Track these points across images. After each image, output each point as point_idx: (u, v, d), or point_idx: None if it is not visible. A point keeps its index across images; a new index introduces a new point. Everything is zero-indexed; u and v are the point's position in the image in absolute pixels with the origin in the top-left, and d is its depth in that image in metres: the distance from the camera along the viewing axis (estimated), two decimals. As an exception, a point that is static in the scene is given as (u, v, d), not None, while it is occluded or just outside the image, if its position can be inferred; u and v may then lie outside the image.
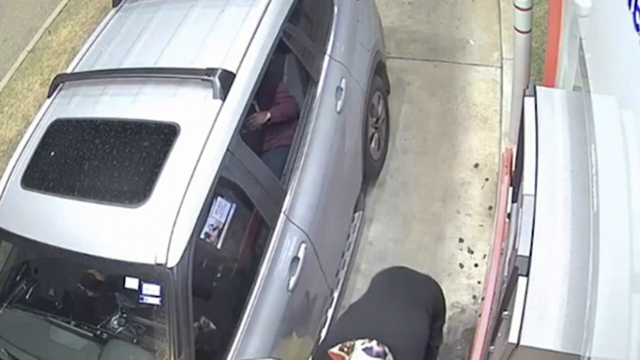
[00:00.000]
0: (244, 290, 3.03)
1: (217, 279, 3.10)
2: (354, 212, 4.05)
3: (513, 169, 3.51)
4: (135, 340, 3.02)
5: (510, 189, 3.50)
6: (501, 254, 3.44)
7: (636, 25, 1.93)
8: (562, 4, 3.20)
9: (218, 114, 3.01)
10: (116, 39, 3.61)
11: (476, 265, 4.04)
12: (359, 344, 2.49)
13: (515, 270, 2.15)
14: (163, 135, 3.01)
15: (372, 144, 4.30)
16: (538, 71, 4.50)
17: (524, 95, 2.72)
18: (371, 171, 4.34)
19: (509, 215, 3.34)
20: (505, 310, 2.35)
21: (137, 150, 3.01)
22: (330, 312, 3.83)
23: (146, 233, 2.82)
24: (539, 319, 2.03)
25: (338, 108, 3.70)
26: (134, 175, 2.95)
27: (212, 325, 2.97)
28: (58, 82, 3.53)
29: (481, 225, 4.20)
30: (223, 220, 3.05)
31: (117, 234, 2.87)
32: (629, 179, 1.93)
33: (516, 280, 2.13)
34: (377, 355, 2.48)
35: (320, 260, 3.46)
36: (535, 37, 4.14)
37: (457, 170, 4.48)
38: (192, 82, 3.12)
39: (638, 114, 2.00)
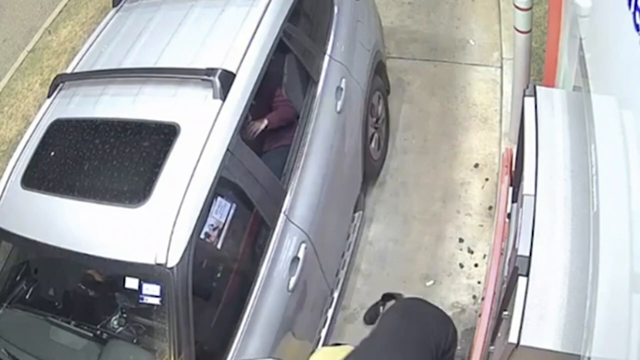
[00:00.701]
0: (244, 290, 3.03)
1: (217, 279, 3.10)
2: (354, 212, 4.05)
3: (513, 169, 3.51)
4: (135, 340, 3.02)
5: (510, 189, 3.50)
6: (501, 254, 3.44)
7: (636, 25, 1.93)
8: (562, 4, 3.20)
9: (218, 114, 3.01)
10: (116, 39, 3.61)
11: (476, 265, 4.04)
12: None
13: (515, 270, 2.15)
14: (163, 135, 3.01)
15: (372, 144, 4.31)
16: (538, 71, 4.50)
17: (524, 95, 2.72)
18: (371, 171, 4.34)
19: (509, 215, 3.34)
20: (505, 310, 2.35)
21: (137, 150, 3.01)
22: (330, 312, 3.83)
23: (146, 233, 2.82)
24: (539, 319, 2.03)
25: (338, 108, 3.70)
26: (134, 175, 2.95)
27: (212, 325, 2.97)
28: (58, 82, 3.53)
29: (481, 225, 4.20)
30: (223, 220, 3.05)
31: (117, 234, 2.87)
32: (629, 179, 1.93)
33: (516, 280, 2.13)
34: None
35: (320, 260, 3.46)
36: (535, 37, 4.14)
37: (457, 170, 4.48)
38: (192, 82, 3.12)
39: (638, 114, 2.00)
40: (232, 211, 3.08)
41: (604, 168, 2.02)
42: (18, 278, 3.39)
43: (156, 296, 2.77)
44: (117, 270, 2.90)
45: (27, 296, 3.35)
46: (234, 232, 3.10)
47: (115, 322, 3.08)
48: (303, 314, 3.37)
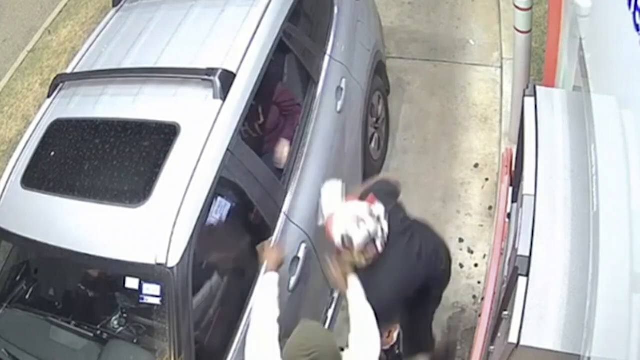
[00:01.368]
0: (244, 290, 3.03)
1: (217, 279, 3.10)
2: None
3: (513, 169, 3.51)
4: (135, 340, 3.02)
5: (510, 189, 3.50)
6: (501, 254, 3.44)
7: (636, 25, 1.94)
8: (562, 4, 3.20)
9: (218, 114, 3.01)
10: (116, 39, 3.61)
11: (476, 265, 4.04)
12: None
13: (515, 270, 2.15)
14: (163, 135, 3.01)
15: (372, 144, 4.30)
16: (538, 71, 4.50)
17: (524, 95, 2.72)
18: (371, 171, 4.33)
19: (509, 215, 3.34)
20: (505, 310, 2.36)
21: (137, 150, 3.01)
22: (330, 312, 3.83)
23: (146, 233, 2.82)
24: (539, 319, 2.03)
25: (338, 108, 3.70)
26: (134, 175, 2.95)
27: (212, 325, 2.97)
28: (58, 82, 3.53)
29: (481, 225, 4.20)
30: (223, 221, 3.05)
31: (117, 234, 2.87)
32: (629, 179, 1.93)
33: (516, 280, 2.13)
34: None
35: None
36: (535, 37, 4.14)
37: (457, 170, 4.48)
38: (193, 82, 3.12)
39: (638, 114, 2.00)
40: (232, 211, 3.08)
41: (604, 168, 2.03)
42: (18, 278, 3.39)
43: (156, 296, 2.77)
44: (117, 270, 2.90)
45: (27, 296, 3.35)
46: (234, 232, 3.10)
47: (116, 322, 3.08)
48: (303, 314, 3.37)
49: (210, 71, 3.06)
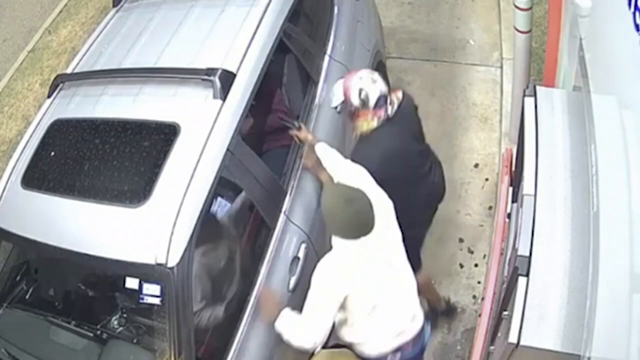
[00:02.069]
0: (244, 290, 3.03)
1: (217, 278, 3.10)
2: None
3: (513, 169, 3.51)
4: (135, 340, 3.02)
5: (510, 189, 3.50)
6: (501, 254, 3.44)
7: (636, 25, 1.94)
8: (562, 4, 3.20)
9: (218, 114, 3.01)
10: (116, 39, 3.61)
11: (476, 265, 4.04)
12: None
13: (515, 270, 2.15)
14: (163, 135, 3.00)
15: (372, 144, 4.30)
16: (538, 71, 4.50)
17: (524, 95, 2.72)
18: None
19: (509, 215, 3.35)
20: (505, 310, 2.36)
21: (137, 150, 3.01)
22: (330, 312, 3.83)
23: (146, 233, 2.82)
24: (539, 319, 2.03)
25: (338, 108, 3.70)
26: (134, 175, 2.95)
27: (212, 326, 2.97)
28: (58, 82, 3.53)
29: (481, 225, 4.20)
30: (223, 220, 3.05)
31: (117, 234, 2.86)
32: (629, 179, 1.93)
33: (516, 280, 2.13)
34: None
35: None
36: (535, 37, 4.15)
37: (457, 170, 4.48)
38: (193, 82, 3.12)
39: (638, 114, 2.00)
40: (232, 211, 3.08)
41: (604, 168, 2.03)
42: (18, 278, 3.40)
43: (156, 296, 2.77)
44: (117, 270, 2.90)
45: (27, 296, 3.35)
46: (234, 232, 3.10)
47: (116, 322, 3.08)
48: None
49: (210, 71, 3.06)
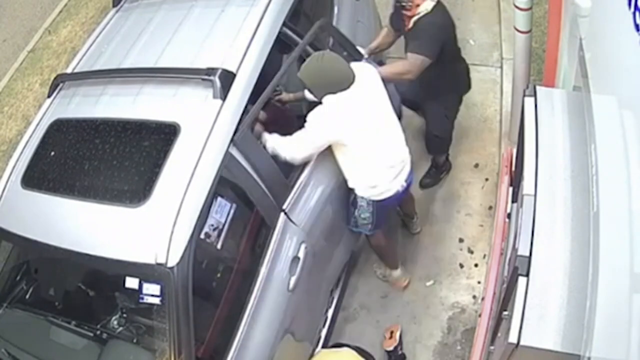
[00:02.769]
0: (244, 290, 3.03)
1: (217, 278, 3.10)
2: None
3: (513, 169, 3.51)
4: (135, 340, 3.02)
5: (510, 189, 3.50)
6: (501, 254, 3.44)
7: (636, 25, 1.93)
8: (562, 4, 3.20)
9: (218, 113, 3.01)
10: (116, 39, 3.61)
11: (476, 265, 4.04)
12: None
13: (515, 270, 2.15)
14: (163, 135, 3.01)
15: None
16: (538, 71, 4.50)
17: (524, 95, 2.72)
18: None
19: (509, 215, 3.34)
20: (505, 310, 2.36)
21: (137, 150, 3.01)
22: (330, 312, 3.83)
23: (146, 233, 2.82)
24: (539, 319, 2.03)
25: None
26: (134, 175, 2.95)
27: (212, 325, 2.97)
28: (58, 82, 3.53)
29: (481, 225, 4.20)
30: (223, 220, 3.05)
31: (117, 234, 2.87)
32: (629, 179, 1.93)
33: (516, 280, 2.13)
34: None
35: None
36: (535, 37, 4.14)
37: (457, 170, 4.48)
38: (193, 82, 3.12)
39: (638, 114, 1.99)
40: (232, 211, 3.08)
41: (604, 168, 2.03)
42: (18, 278, 3.40)
43: (156, 296, 2.77)
44: (117, 270, 2.90)
45: (27, 296, 3.36)
46: (234, 232, 3.10)
47: (115, 322, 3.09)
48: (303, 314, 3.37)
49: (210, 71, 3.06)
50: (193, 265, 2.77)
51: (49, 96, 3.52)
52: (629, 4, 1.98)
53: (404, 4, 3.52)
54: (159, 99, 3.16)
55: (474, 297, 3.91)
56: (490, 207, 4.25)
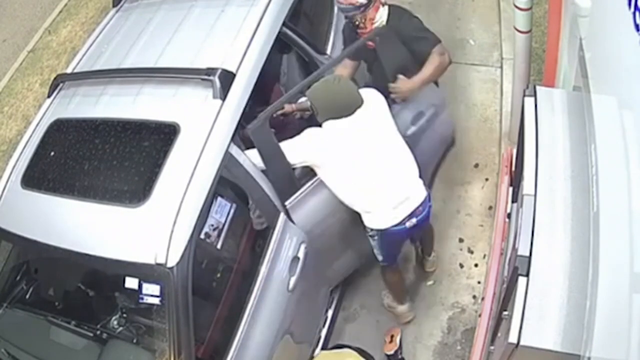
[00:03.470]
0: (243, 290, 3.03)
1: (217, 279, 3.10)
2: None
3: (513, 169, 3.51)
4: (135, 340, 3.02)
5: (510, 189, 3.50)
6: (501, 254, 3.45)
7: (636, 25, 1.93)
8: (562, 4, 3.20)
9: (218, 113, 3.01)
10: (116, 39, 3.61)
11: (476, 265, 4.04)
12: None
13: (515, 270, 2.15)
14: (163, 135, 3.01)
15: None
16: (538, 71, 4.50)
17: (524, 95, 2.72)
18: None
19: (509, 215, 3.35)
20: (505, 310, 2.36)
21: (137, 150, 3.01)
22: (330, 312, 3.83)
23: (146, 233, 2.82)
24: (539, 319, 2.03)
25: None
26: (134, 175, 2.95)
27: (212, 325, 2.97)
28: (58, 82, 3.53)
29: (481, 225, 4.20)
30: (223, 220, 3.05)
31: (117, 234, 2.87)
32: (629, 179, 1.93)
33: (516, 280, 2.13)
34: None
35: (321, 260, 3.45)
36: (535, 37, 4.14)
37: (457, 170, 4.47)
38: (192, 82, 3.12)
39: (638, 114, 1.99)
40: (232, 211, 3.08)
41: (604, 168, 2.02)
42: (18, 278, 3.40)
43: (156, 296, 2.77)
44: (117, 270, 2.90)
45: (27, 296, 3.36)
46: (234, 232, 3.10)
47: (115, 322, 3.09)
48: (303, 314, 3.37)
49: (210, 71, 3.06)
50: (193, 265, 2.77)
51: (49, 96, 3.52)
52: (629, 4, 1.98)
53: (357, 23, 3.33)
54: (158, 99, 3.16)
55: (474, 297, 3.91)
56: (490, 207, 4.25)
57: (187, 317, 2.74)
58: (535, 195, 2.32)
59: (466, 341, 3.74)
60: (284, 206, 3.19)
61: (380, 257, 3.39)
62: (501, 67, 4.96)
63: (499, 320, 2.51)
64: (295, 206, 3.24)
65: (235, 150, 3.01)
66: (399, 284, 3.73)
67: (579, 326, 1.95)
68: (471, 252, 4.10)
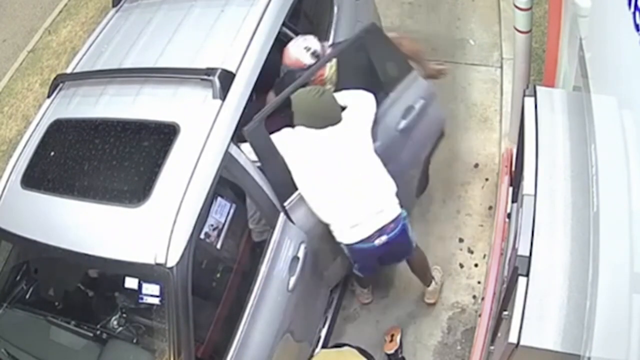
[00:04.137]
0: (243, 290, 3.03)
1: (216, 278, 3.10)
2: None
3: (513, 169, 3.52)
4: (135, 340, 3.02)
5: (510, 189, 3.50)
6: (501, 254, 3.45)
7: (636, 25, 1.93)
8: (562, 4, 3.20)
9: (218, 113, 3.01)
10: (116, 39, 3.61)
11: (476, 265, 4.04)
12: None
13: (515, 270, 2.15)
14: (163, 135, 3.01)
15: (372, 144, 4.29)
16: (538, 71, 4.50)
17: (524, 95, 2.72)
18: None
19: (509, 215, 3.35)
20: (505, 310, 2.36)
21: (136, 150, 3.01)
22: (330, 312, 3.83)
23: (146, 233, 2.82)
24: (539, 319, 2.03)
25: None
26: (133, 175, 2.95)
27: (212, 325, 2.97)
28: (58, 82, 3.53)
29: (481, 225, 4.20)
30: (223, 220, 3.05)
31: (116, 234, 2.87)
32: (629, 179, 1.93)
33: (516, 280, 2.13)
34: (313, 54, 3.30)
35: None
36: (535, 37, 4.14)
37: (457, 170, 4.47)
38: (192, 82, 3.12)
39: (638, 114, 1.99)
40: (232, 211, 3.08)
41: (604, 168, 2.03)
42: (18, 278, 3.40)
43: (156, 296, 2.77)
44: (116, 270, 2.90)
45: (27, 296, 3.36)
46: (233, 232, 3.10)
47: (115, 322, 3.09)
48: (303, 314, 3.37)
49: (210, 71, 3.06)
50: (192, 265, 2.77)
51: (48, 96, 3.52)
52: (629, 4, 1.98)
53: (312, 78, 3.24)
54: (158, 99, 3.16)
55: (474, 297, 3.91)
56: (490, 207, 4.25)
57: (187, 317, 2.74)
58: (535, 195, 2.33)
59: (466, 341, 3.74)
60: (283, 207, 3.19)
61: (355, 267, 3.35)
62: (501, 67, 4.96)
63: (499, 320, 2.51)
64: (295, 206, 3.24)
65: (235, 150, 3.01)
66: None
67: (579, 326, 1.95)
68: (471, 252, 4.10)
